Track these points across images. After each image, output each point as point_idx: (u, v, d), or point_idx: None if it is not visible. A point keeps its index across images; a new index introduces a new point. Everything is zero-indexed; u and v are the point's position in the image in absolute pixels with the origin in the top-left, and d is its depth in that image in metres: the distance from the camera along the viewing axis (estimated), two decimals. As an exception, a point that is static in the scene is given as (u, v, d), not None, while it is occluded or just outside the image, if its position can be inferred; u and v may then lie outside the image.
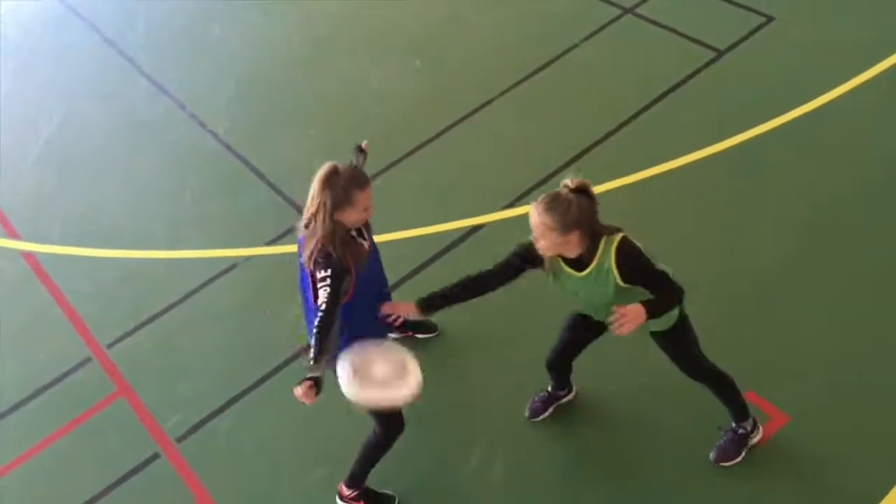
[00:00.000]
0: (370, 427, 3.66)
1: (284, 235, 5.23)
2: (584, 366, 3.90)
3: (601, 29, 6.30)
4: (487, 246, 4.91)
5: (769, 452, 3.77)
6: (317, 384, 3.06)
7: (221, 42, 7.02)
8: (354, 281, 3.23)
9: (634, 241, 3.11)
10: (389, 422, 3.60)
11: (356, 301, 3.29)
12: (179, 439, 4.30)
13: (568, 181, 3.03)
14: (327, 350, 3.10)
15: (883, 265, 4.44)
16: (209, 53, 6.94)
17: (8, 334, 5.02)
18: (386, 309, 3.42)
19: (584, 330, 3.61)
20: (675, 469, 3.79)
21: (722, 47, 5.90)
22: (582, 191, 3.02)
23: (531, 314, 4.48)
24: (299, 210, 5.27)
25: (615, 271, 3.07)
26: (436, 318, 4.47)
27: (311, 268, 3.18)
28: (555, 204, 2.99)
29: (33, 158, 6.25)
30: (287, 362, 4.54)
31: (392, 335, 4.47)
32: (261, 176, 5.73)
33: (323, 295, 3.11)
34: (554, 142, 5.50)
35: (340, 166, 3.20)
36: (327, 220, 3.14)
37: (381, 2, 7.11)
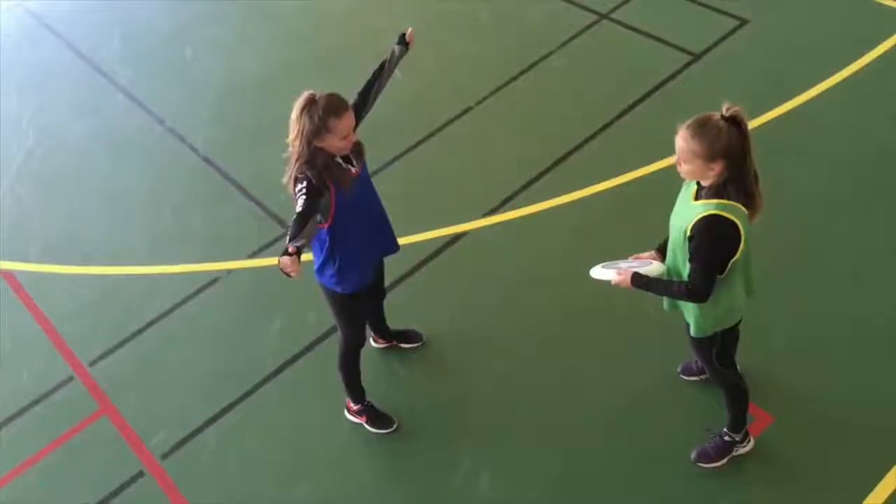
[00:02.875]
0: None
1: (266, 248, 5.21)
2: (574, 366, 3.90)
3: (577, 35, 6.34)
4: (471, 253, 4.93)
5: (755, 453, 3.79)
6: (299, 254, 3.04)
7: (196, 60, 6.97)
8: (335, 202, 3.29)
9: (726, 221, 2.95)
10: (349, 327, 3.77)
11: (343, 224, 3.37)
12: (164, 456, 4.27)
13: (723, 107, 2.92)
14: (304, 236, 3.13)
15: (858, 264, 4.49)
16: (185, 70, 6.90)
17: (-12, 355, 4.97)
18: None
19: None
20: (663, 470, 3.81)
21: (697, 51, 5.96)
22: (734, 120, 2.90)
23: (516, 320, 4.49)
24: (281, 222, 5.31)
25: (692, 223, 2.99)
26: (422, 326, 4.50)
27: (291, 186, 3.26)
28: (703, 130, 2.88)
29: (10, 176, 6.18)
30: (271, 376, 4.52)
31: (375, 345, 4.47)
32: (241, 189, 5.71)
33: (300, 202, 3.18)
34: (533, 148, 5.52)
35: (318, 95, 3.25)
36: (305, 146, 3.22)
37: (354, 16, 7.12)
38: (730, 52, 5.92)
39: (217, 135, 6.21)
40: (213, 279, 5.13)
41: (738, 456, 3.77)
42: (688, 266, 3.08)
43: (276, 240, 5.22)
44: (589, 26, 6.39)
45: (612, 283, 3.20)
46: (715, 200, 2.97)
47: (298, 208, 3.19)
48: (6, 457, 4.41)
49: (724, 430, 3.74)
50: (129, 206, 5.78)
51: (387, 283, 4.77)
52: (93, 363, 4.78)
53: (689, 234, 3.01)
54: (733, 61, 5.85)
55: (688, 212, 3.05)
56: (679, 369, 4.08)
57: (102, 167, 6.14)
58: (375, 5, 7.17)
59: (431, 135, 5.82)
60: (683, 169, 3.01)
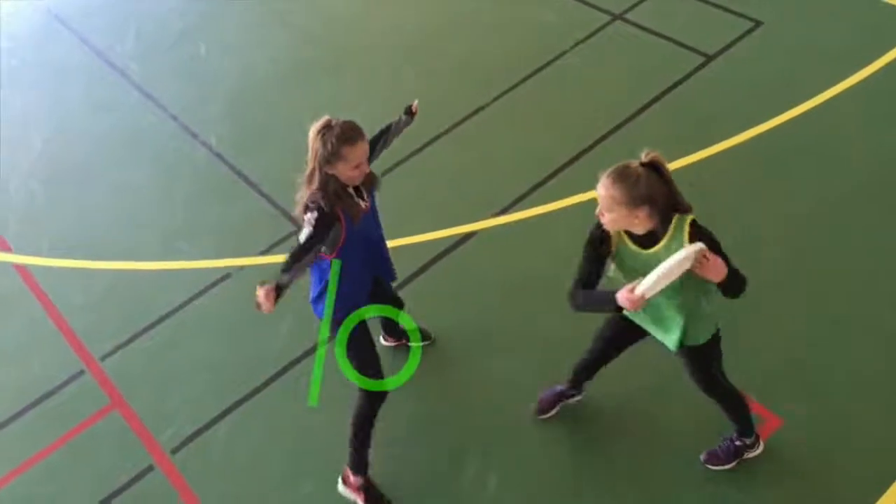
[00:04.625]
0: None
1: (277, 245, 5.23)
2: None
3: (591, 35, 6.33)
4: (481, 252, 4.93)
5: (763, 456, 3.78)
6: (279, 291, 3.04)
7: (209, 57, 7.01)
8: (346, 234, 3.25)
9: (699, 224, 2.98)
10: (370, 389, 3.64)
11: (346, 256, 3.32)
12: (174, 451, 4.29)
13: (642, 154, 2.94)
14: (298, 268, 3.12)
15: (874, 266, 4.47)
16: (198, 67, 6.93)
17: (0, 348, 5.00)
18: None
19: (623, 338, 3.55)
20: (672, 472, 3.80)
21: (711, 52, 5.93)
22: (653, 165, 2.92)
23: (525, 322, 4.49)
24: (292, 219, 5.32)
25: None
26: (430, 325, 4.51)
27: (301, 212, 3.22)
28: (623, 177, 2.89)
29: (24, 171, 6.23)
30: (281, 372, 4.53)
31: (385, 343, 4.47)
32: (253, 186, 5.73)
33: (305, 233, 3.15)
34: (546, 148, 5.51)
35: (334, 120, 3.23)
36: (318, 171, 3.19)
37: (367, 15, 7.13)
38: (743, 53, 5.90)
39: (229, 131, 6.23)
40: (224, 275, 5.15)
41: (747, 459, 3.76)
42: (705, 285, 3.05)
43: (288, 236, 5.24)
44: (602, 27, 6.38)
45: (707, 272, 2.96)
46: (675, 217, 2.95)
47: (303, 238, 3.14)
48: (17, 449, 4.45)
49: (735, 434, 3.74)
50: (141, 202, 5.81)
51: (398, 281, 4.79)
52: (104, 357, 4.81)
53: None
54: (747, 63, 5.82)
55: (662, 257, 2.93)
56: None
57: (115, 162, 6.17)
58: (388, 5, 7.18)
59: (443, 133, 5.82)
60: (606, 219, 2.99)
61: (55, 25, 7.74)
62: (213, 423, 4.38)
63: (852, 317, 4.26)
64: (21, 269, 5.46)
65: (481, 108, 5.94)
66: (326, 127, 3.20)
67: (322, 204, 3.18)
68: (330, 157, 3.18)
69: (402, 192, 5.41)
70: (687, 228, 2.95)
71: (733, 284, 3.02)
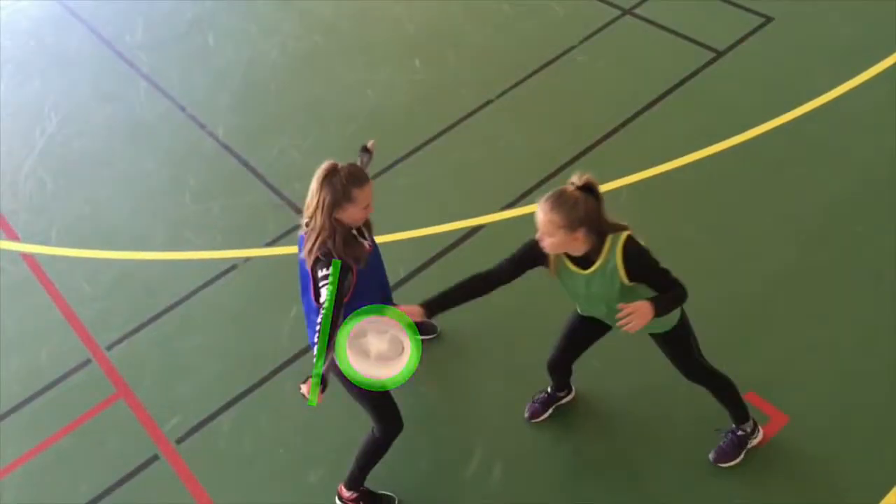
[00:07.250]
0: (369, 427, 3.66)
1: (284, 236, 5.23)
2: (582, 366, 3.90)
3: (600, 30, 6.31)
4: (488, 246, 4.92)
5: (769, 453, 3.78)
6: (323, 381, 3.05)
7: (218, 48, 7.01)
8: (356, 279, 3.23)
9: (639, 239, 3.11)
10: (388, 421, 3.59)
11: (356, 300, 3.29)
12: (179, 441, 4.30)
13: (574, 178, 3.03)
14: (331, 347, 3.09)
15: (884, 265, 4.45)
16: (207, 58, 6.94)
17: (7, 336, 5.01)
18: None
19: (585, 331, 3.62)
20: (675, 468, 3.80)
21: (721, 48, 5.91)
22: (588, 188, 3.02)
23: (530, 315, 4.48)
24: (298, 211, 5.29)
25: (621, 270, 3.06)
26: (435, 319, 4.50)
27: (312, 265, 3.18)
28: (561, 201, 2.98)
29: (33, 160, 6.24)
30: (287, 363, 4.54)
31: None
32: (260, 177, 5.73)
33: (325, 294, 3.11)
34: (553, 143, 5.50)
35: (339, 164, 3.21)
36: (326, 218, 3.15)
37: (375, 5, 7.12)
38: (753, 49, 5.87)
39: (237, 122, 6.24)
40: (231, 266, 5.16)
41: (752, 449, 3.76)
42: (648, 291, 3.12)
43: (294, 228, 5.22)
44: (611, 21, 6.36)
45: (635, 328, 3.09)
46: (609, 237, 3.04)
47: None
48: (23, 438, 4.46)
49: (734, 426, 3.74)
50: (148, 192, 5.81)
51: (403, 275, 4.80)
52: (110, 347, 4.82)
53: (625, 277, 3.06)
54: (757, 59, 5.80)
55: (599, 276, 3.09)
56: None
57: (123, 153, 6.18)
58: (397, -4, 7.18)
59: (451, 127, 5.81)
60: (547, 243, 3.06)
61: (65, 15, 7.74)
62: (218, 412, 4.39)
63: (859, 315, 4.25)
64: (29, 258, 5.47)
65: (489, 102, 5.93)
66: (333, 171, 3.17)
67: (335, 255, 3.14)
68: (340, 199, 3.15)
69: (410, 185, 5.42)
70: (621, 246, 3.04)
71: (664, 310, 3.09)
